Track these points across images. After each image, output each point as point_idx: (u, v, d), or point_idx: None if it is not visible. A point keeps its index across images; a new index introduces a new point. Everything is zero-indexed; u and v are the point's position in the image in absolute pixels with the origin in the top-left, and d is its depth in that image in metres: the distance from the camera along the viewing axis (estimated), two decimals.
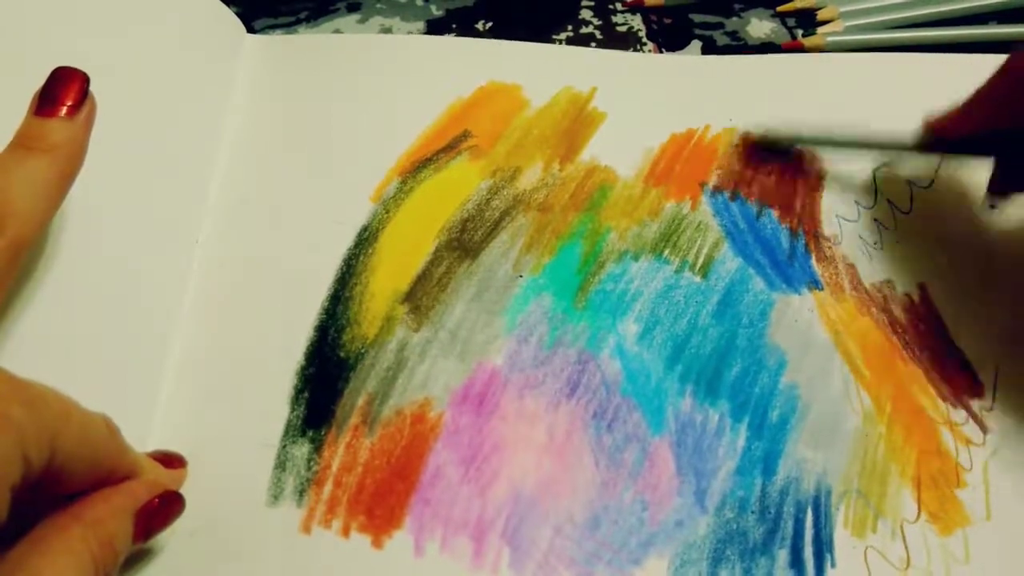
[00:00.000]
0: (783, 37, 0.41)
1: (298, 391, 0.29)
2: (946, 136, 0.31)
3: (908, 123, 0.31)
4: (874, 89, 0.37)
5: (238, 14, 0.38)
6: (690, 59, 0.39)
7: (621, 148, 0.35)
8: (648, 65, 0.38)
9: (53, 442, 0.19)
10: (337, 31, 0.40)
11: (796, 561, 0.26)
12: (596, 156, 0.35)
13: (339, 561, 0.26)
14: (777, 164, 0.34)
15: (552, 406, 0.29)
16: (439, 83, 0.36)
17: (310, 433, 0.28)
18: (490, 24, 0.41)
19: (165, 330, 0.30)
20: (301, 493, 0.27)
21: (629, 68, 0.38)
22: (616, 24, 0.41)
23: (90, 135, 0.26)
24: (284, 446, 0.28)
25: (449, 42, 0.39)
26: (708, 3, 0.42)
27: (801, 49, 0.39)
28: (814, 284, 0.32)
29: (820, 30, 0.40)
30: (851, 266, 0.32)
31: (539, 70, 0.37)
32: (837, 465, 0.28)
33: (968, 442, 0.28)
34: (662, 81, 0.37)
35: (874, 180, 0.34)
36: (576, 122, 0.36)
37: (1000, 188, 0.31)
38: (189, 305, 0.31)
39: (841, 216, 0.33)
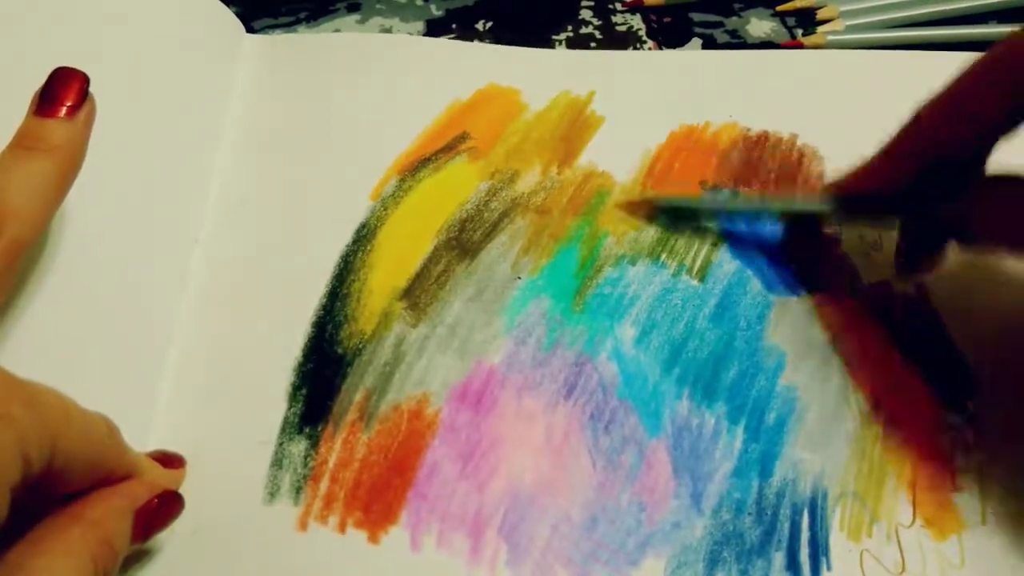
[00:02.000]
0: (783, 36, 0.40)
1: (296, 388, 0.29)
2: (852, 196, 0.29)
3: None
4: (874, 87, 0.36)
5: (238, 14, 0.38)
6: (689, 54, 0.39)
7: (619, 152, 0.35)
8: (646, 61, 0.38)
9: (53, 442, 0.20)
10: (337, 31, 0.40)
11: (792, 563, 0.26)
12: (594, 161, 0.35)
13: (335, 557, 0.26)
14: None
15: (549, 407, 0.29)
16: (438, 84, 0.36)
17: (307, 430, 0.28)
18: (490, 24, 0.40)
19: (165, 330, 0.30)
20: (298, 490, 0.27)
21: (627, 65, 0.38)
22: (616, 24, 0.41)
23: (90, 135, 0.26)
24: (281, 443, 0.28)
25: (448, 44, 0.39)
26: (708, 2, 0.42)
27: (801, 48, 0.39)
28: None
29: (820, 29, 0.40)
30: (850, 266, 0.32)
31: (537, 74, 0.37)
32: (834, 467, 0.28)
33: (965, 445, 0.28)
34: (661, 78, 0.37)
35: None
36: (574, 126, 0.36)
37: (908, 259, 0.30)
38: (189, 304, 0.31)
39: None
